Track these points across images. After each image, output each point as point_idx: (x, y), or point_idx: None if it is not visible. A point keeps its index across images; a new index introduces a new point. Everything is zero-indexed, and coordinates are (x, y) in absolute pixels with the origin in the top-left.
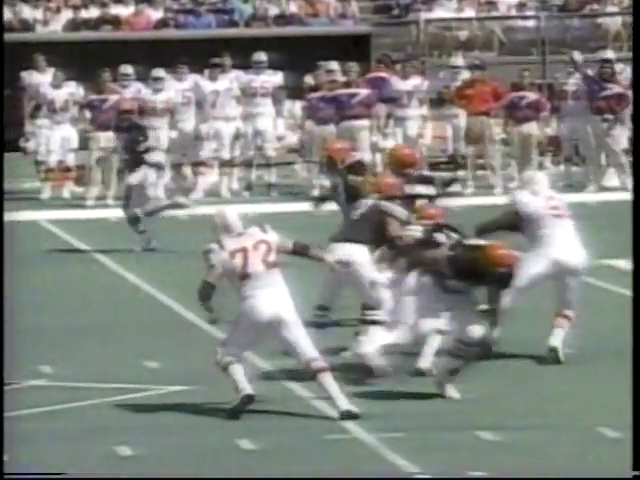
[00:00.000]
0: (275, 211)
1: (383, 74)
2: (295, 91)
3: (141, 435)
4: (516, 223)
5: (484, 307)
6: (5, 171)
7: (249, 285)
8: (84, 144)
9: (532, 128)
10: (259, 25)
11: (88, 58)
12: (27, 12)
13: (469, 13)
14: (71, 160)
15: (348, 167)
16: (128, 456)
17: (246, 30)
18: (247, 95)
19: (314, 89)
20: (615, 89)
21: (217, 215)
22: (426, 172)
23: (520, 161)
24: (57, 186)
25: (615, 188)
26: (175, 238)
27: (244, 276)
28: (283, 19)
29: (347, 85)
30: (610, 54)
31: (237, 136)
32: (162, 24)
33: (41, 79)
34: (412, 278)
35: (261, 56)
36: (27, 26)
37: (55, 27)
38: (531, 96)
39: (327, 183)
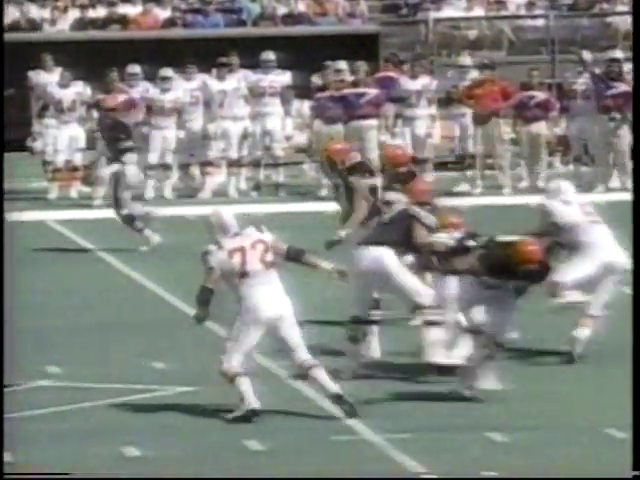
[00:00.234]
0: (283, 211)
1: (391, 74)
2: (303, 91)
3: (147, 436)
4: (554, 234)
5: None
6: (12, 171)
7: (247, 283)
8: (91, 144)
9: (541, 128)
10: (267, 24)
11: (95, 58)
12: (34, 11)
13: (478, 12)
14: (78, 160)
15: (348, 169)
16: (134, 457)
17: (254, 29)
18: (255, 95)
19: (322, 89)
20: (622, 88)
21: (213, 215)
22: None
23: (529, 161)
24: (64, 186)
25: (616, 189)
26: (182, 238)
27: (243, 274)
28: (291, 18)
29: (355, 85)
30: (619, 53)
31: (245, 136)
32: (170, 23)
33: (48, 79)
34: (451, 279)
35: (269, 55)
36: (34, 25)
37: (62, 26)
38: (540, 96)
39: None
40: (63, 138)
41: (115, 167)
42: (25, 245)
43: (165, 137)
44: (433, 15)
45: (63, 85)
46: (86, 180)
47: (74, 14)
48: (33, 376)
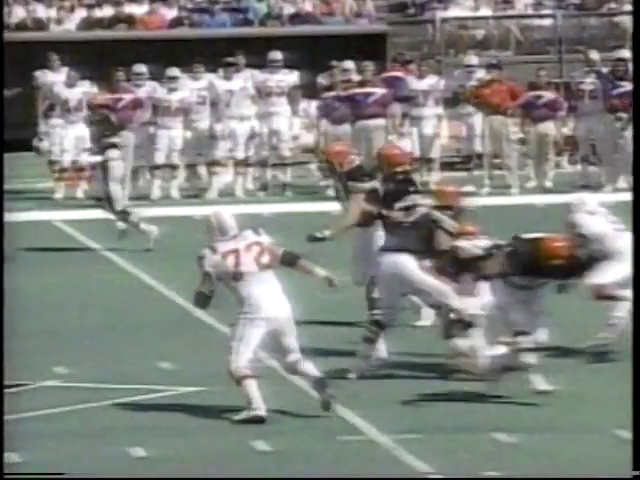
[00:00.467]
0: (290, 211)
1: (399, 73)
2: (310, 90)
3: (155, 436)
4: (583, 245)
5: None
6: (19, 171)
7: (244, 284)
8: None
9: (549, 127)
10: (274, 24)
11: (102, 57)
12: (41, 11)
13: (485, 12)
14: (85, 160)
15: (347, 172)
16: (141, 457)
17: (261, 29)
18: (263, 94)
19: (329, 88)
20: (629, 87)
21: (212, 216)
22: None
23: (537, 161)
24: (71, 186)
25: (624, 189)
26: (188, 238)
27: (237, 276)
28: (298, 18)
29: (362, 84)
30: (626, 53)
31: (252, 136)
32: (176, 23)
33: (55, 78)
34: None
35: (276, 55)
36: (41, 25)
37: (69, 26)
38: (548, 95)
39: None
40: (69, 138)
41: (98, 158)
42: (31, 245)
43: (172, 137)
44: (440, 15)
45: (70, 85)
46: (92, 180)
47: (80, 14)
48: (40, 376)
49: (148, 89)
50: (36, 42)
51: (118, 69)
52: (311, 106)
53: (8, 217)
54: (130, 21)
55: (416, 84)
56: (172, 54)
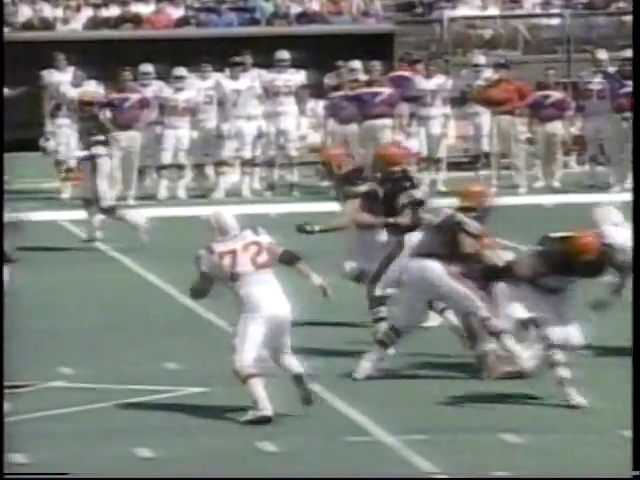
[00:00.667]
0: (297, 211)
1: (406, 73)
2: (317, 90)
3: (160, 437)
4: (610, 256)
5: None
6: (25, 171)
7: (242, 284)
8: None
9: (557, 127)
10: (281, 23)
11: (109, 57)
12: (47, 10)
13: (493, 11)
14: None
15: (344, 175)
16: (147, 458)
17: (268, 28)
18: (270, 94)
19: (336, 88)
20: None
21: (212, 216)
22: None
23: (545, 161)
24: (77, 186)
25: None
26: (195, 238)
27: (233, 276)
28: (305, 17)
29: (370, 84)
30: None
31: (259, 135)
32: (183, 22)
33: (61, 78)
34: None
35: (284, 54)
36: (47, 24)
37: (75, 25)
38: (556, 95)
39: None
40: (76, 138)
41: (84, 154)
42: (37, 245)
43: (178, 137)
44: (448, 14)
45: (76, 84)
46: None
47: (87, 13)
48: (46, 377)
49: (155, 89)
50: (42, 41)
51: (125, 69)
52: (318, 106)
53: (20, 217)
54: (137, 20)
55: (424, 84)
56: (179, 53)
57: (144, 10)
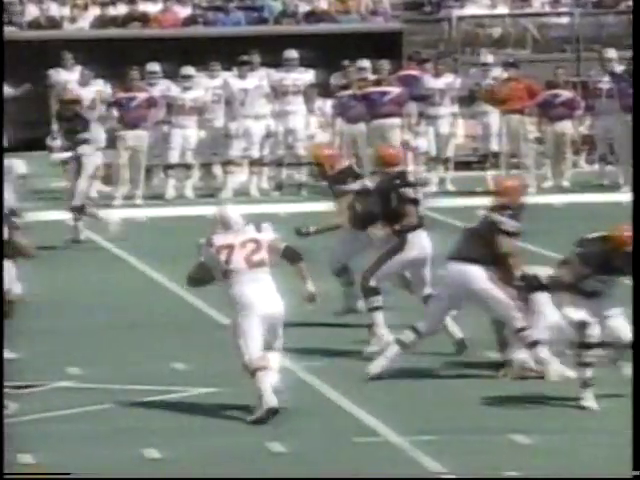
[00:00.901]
0: (305, 211)
1: (414, 72)
2: (326, 89)
3: (168, 437)
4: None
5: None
6: (32, 170)
7: (232, 283)
8: (112, 143)
9: (566, 127)
10: (289, 22)
11: (116, 56)
12: (54, 9)
13: (502, 10)
14: (99, 159)
15: (337, 174)
16: (155, 458)
17: (276, 27)
18: (279, 93)
19: (344, 87)
20: None
21: (218, 210)
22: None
23: (554, 160)
24: None
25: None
26: (202, 238)
27: (226, 273)
28: (313, 16)
29: (378, 83)
30: None
31: (268, 135)
32: (191, 21)
33: (68, 77)
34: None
35: (292, 53)
36: (54, 23)
37: (83, 24)
38: (565, 94)
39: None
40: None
41: (70, 154)
42: (44, 244)
43: (186, 136)
44: (456, 13)
45: (83, 83)
46: (106, 179)
47: (94, 12)
48: (53, 377)
49: (162, 88)
50: (49, 40)
51: (132, 68)
52: (326, 105)
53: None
54: (144, 19)
55: (432, 83)
56: (186, 52)
57: (151, 9)
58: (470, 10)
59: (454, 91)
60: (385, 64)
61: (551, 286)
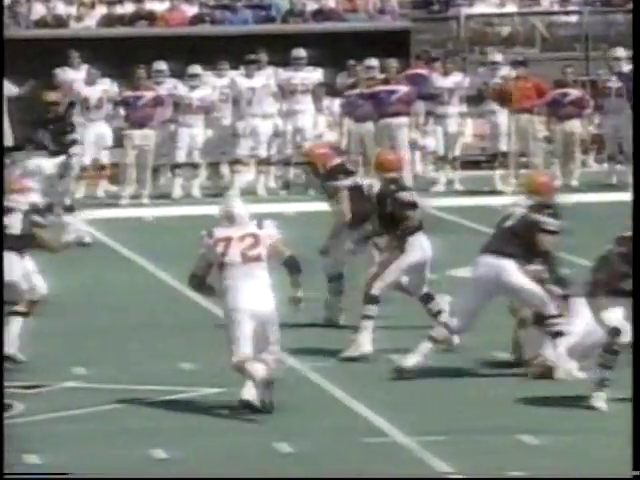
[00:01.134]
0: (312, 210)
1: (423, 71)
2: (333, 88)
3: (176, 437)
4: None
5: None
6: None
7: (225, 275)
8: (119, 142)
9: (575, 126)
10: (296, 21)
11: (123, 54)
12: (61, 8)
13: (511, 8)
14: (105, 158)
15: (329, 171)
16: (162, 459)
17: (283, 26)
18: (287, 92)
19: (352, 86)
20: None
21: (223, 205)
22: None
23: (563, 159)
24: (91, 184)
25: None
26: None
27: (221, 265)
28: (321, 15)
29: (386, 82)
30: None
31: (275, 134)
32: (198, 20)
33: (75, 76)
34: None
35: (300, 52)
36: (61, 22)
37: (89, 23)
38: (574, 93)
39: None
40: (90, 136)
41: (61, 159)
42: None
43: (193, 135)
44: (465, 11)
45: (90, 82)
46: (113, 179)
47: (101, 10)
48: (60, 377)
49: (169, 86)
50: (56, 39)
51: (139, 66)
52: (334, 104)
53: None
54: (151, 18)
55: (440, 82)
56: (193, 51)
57: (158, 7)
58: (479, 9)
59: (462, 90)
60: (393, 63)
61: (591, 288)
